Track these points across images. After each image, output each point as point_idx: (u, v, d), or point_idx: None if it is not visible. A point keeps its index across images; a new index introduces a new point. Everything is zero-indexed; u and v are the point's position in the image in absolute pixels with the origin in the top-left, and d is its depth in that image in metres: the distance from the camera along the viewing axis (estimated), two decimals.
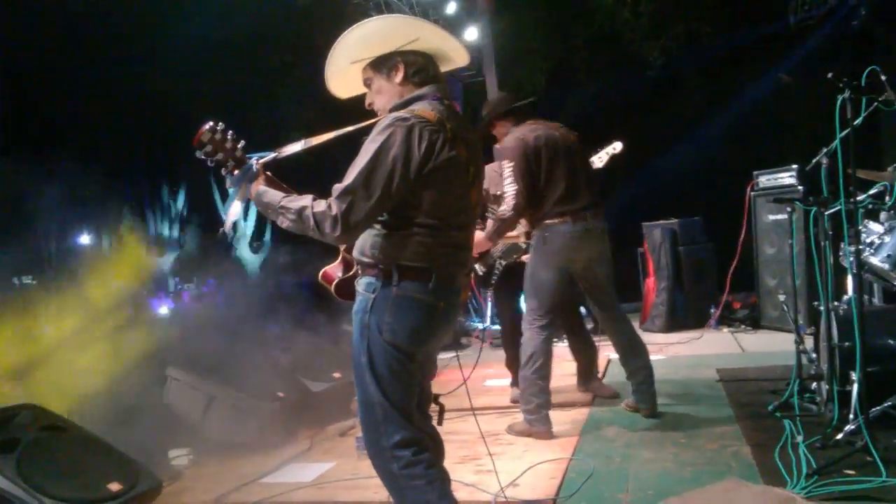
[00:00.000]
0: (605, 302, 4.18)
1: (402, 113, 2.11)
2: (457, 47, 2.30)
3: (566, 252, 3.98)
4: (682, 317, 7.25)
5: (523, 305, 4.35)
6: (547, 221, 3.98)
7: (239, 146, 2.22)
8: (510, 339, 4.85)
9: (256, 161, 2.25)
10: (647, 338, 6.59)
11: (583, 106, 9.17)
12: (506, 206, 3.96)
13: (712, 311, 7.12)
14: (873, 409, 3.21)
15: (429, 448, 2.20)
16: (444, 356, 6.22)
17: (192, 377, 4.37)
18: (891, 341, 3.65)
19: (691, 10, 9.96)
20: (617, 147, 4.60)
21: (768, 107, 9.40)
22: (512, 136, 4.08)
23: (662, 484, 3.05)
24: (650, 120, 9.58)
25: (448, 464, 3.30)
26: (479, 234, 3.97)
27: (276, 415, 4.30)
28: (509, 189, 3.94)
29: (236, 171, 2.23)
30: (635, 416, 4.17)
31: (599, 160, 4.61)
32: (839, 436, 3.23)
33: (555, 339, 4.30)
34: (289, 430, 4.46)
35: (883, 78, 3.24)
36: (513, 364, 4.80)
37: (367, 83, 2.31)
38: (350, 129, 2.32)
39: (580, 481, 3.18)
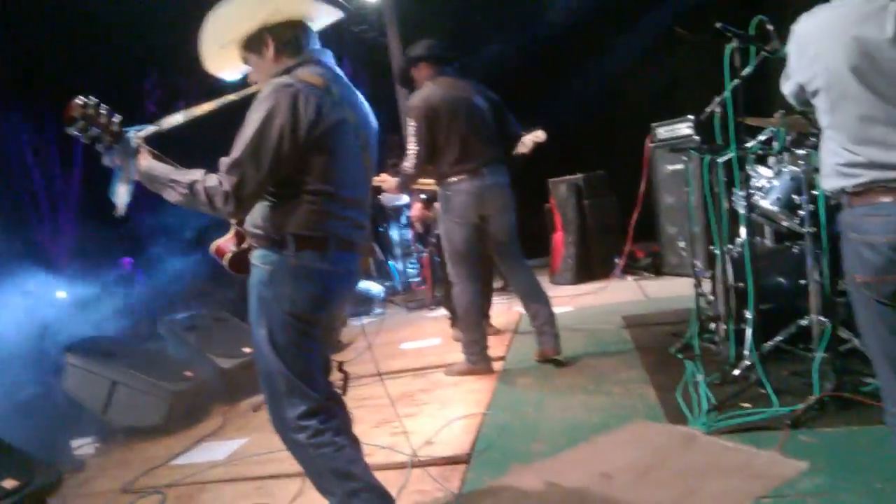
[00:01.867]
0: (508, 252, 4.37)
1: (285, 78, 2.04)
2: (321, 6, 2.22)
3: (469, 208, 4.15)
4: (590, 268, 7.45)
5: None
6: (448, 180, 4.16)
7: (114, 120, 2.07)
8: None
9: (136, 134, 2.12)
10: (557, 290, 6.79)
11: (486, 65, 9.17)
12: (408, 163, 4.16)
13: (617, 261, 7.32)
14: (766, 344, 3.38)
15: (336, 414, 2.17)
16: (363, 320, 6.26)
17: (91, 362, 4.17)
18: (781, 279, 3.83)
19: None
20: (540, 136, 4.64)
21: (665, 59, 9.63)
22: (417, 97, 4.19)
23: (573, 431, 3.13)
24: (550, 76, 9.66)
25: (363, 428, 3.32)
26: (389, 183, 4.28)
27: (184, 395, 4.17)
28: (411, 147, 4.13)
29: (114, 146, 2.09)
30: (546, 367, 4.26)
31: (524, 146, 4.65)
32: (736, 371, 3.40)
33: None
34: (199, 410, 4.35)
35: (769, 28, 3.34)
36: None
37: (245, 61, 2.24)
38: (232, 97, 2.23)
39: (494, 435, 3.23)
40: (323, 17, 2.27)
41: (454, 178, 4.14)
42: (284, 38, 2.16)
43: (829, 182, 1.79)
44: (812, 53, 1.75)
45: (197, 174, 2.03)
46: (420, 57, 4.35)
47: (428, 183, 4.60)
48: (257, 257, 2.13)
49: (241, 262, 2.35)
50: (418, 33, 9.49)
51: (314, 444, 2.09)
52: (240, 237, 2.43)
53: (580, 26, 9.94)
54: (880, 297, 1.69)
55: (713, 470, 2.54)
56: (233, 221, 2.45)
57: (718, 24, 3.38)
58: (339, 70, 2.23)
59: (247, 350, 4.75)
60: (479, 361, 4.31)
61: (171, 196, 2.05)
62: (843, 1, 1.71)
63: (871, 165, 1.65)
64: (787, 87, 1.93)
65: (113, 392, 4.08)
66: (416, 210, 5.86)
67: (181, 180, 2.02)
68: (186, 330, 4.80)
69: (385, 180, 4.29)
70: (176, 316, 5.14)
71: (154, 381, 4.10)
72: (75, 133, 2.04)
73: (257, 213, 2.11)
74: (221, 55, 2.23)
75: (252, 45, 2.18)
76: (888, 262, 1.64)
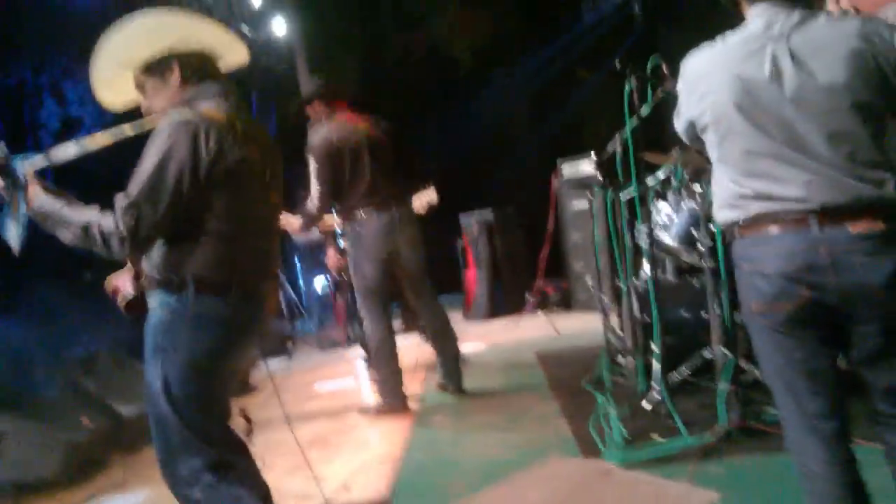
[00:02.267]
0: (419, 287, 4.39)
1: (185, 113, 1.94)
2: (234, 43, 2.17)
3: (379, 243, 4.16)
4: (502, 304, 7.54)
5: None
6: (355, 216, 4.17)
7: None
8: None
9: (24, 165, 1.96)
10: (470, 327, 6.83)
11: (396, 101, 9.23)
12: (310, 204, 4.14)
13: (528, 297, 7.46)
14: (672, 376, 3.49)
15: (234, 465, 2.03)
16: (274, 361, 6.07)
17: None
18: (684, 313, 3.98)
19: (496, 11, 10.33)
20: (433, 198, 4.57)
21: (570, 99, 10.00)
22: (318, 136, 4.16)
23: (491, 469, 3.12)
24: (461, 113, 9.85)
25: (275, 475, 3.20)
26: (292, 222, 4.18)
27: (81, 445, 3.91)
28: (314, 187, 4.11)
29: None
30: (462, 404, 4.26)
31: (420, 206, 4.63)
32: (646, 404, 3.49)
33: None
34: (98, 461, 4.09)
35: (664, 68, 3.50)
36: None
37: (140, 87, 2.12)
38: (129, 130, 2.09)
39: (413, 476, 3.18)
40: (231, 57, 2.21)
41: (362, 214, 4.14)
42: (192, 65, 2.08)
43: (721, 214, 1.85)
44: (700, 91, 1.81)
45: (91, 214, 1.90)
46: (313, 95, 4.34)
47: (329, 224, 4.58)
48: (155, 301, 2.01)
49: (137, 303, 2.23)
50: (327, 65, 9.54)
51: (210, 498, 1.96)
52: (138, 275, 2.31)
53: (490, 63, 10.20)
54: (774, 325, 1.74)
55: (628, 502, 2.58)
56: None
57: (617, 65, 3.54)
58: (241, 105, 2.14)
59: None
60: (394, 401, 4.25)
61: (64, 236, 1.93)
62: (725, 41, 1.78)
63: (759, 197, 1.71)
64: (679, 125, 1.99)
65: (0, 444, 3.79)
66: (332, 258, 5.74)
67: (74, 220, 1.90)
68: (84, 374, 4.52)
69: (288, 222, 4.16)
70: (70, 357, 4.84)
71: (49, 431, 3.83)
72: None
73: (156, 254, 1.99)
74: (116, 78, 2.11)
75: (154, 68, 2.08)
76: (779, 291, 1.69)
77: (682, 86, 1.90)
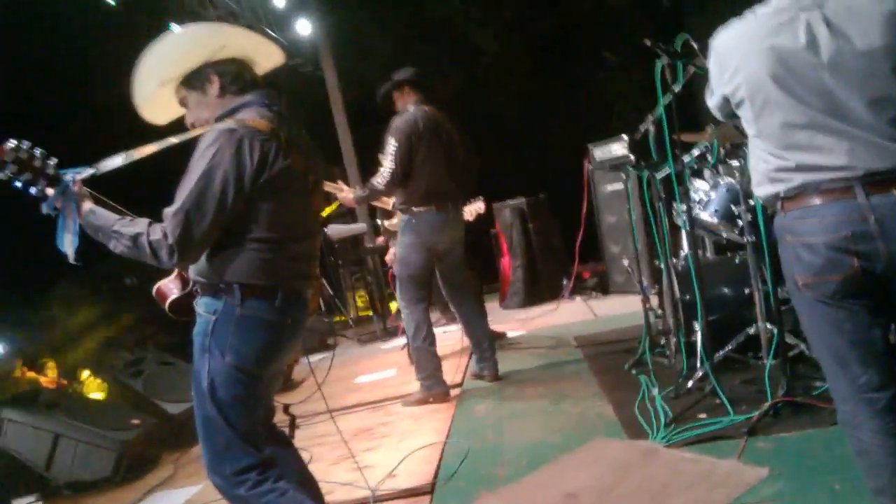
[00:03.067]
0: (457, 281, 4.53)
1: (229, 123, 1.97)
2: (269, 48, 2.19)
3: (432, 237, 4.27)
4: (539, 291, 7.51)
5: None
6: (414, 209, 4.23)
7: (49, 163, 1.98)
8: None
9: (74, 178, 2.02)
10: (508, 314, 6.82)
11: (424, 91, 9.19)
12: (380, 179, 4.21)
13: (565, 282, 7.42)
14: (717, 355, 3.44)
15: (276, 464, 2.08)
16: (316, 357, 6.13)
17: (31, 416, 3.98)
18: (726, 290, 3.93)
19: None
20: (481, 208, 5.01)
21: (597, 83, 9.90)
22: (403, 118, 4.25)
23: (535, 453, 3.12)
24: (488, 103, 9.81)
25: (321, 467, 3.25)
26: (347, 193, 4.34)
27: (132, 444, 4.01)
28: (387, 165, 4.17)
29: (50, 191, 2.00)
30: (503, 390, 4.26)
31: (469, 214, 4.92)
32: (690, 383, 3.45)
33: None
34: (149, 458, 4.18)
35: (694, 44, 3.45)
36: None
37: (183, 102, 2.16)
38: (174, 140, 2.13)
39: (456, 462, 3.19)
40: (266, 60, 2.23)
41: (422, 208, 4.22)
42: (230, 74, 2.10)
43: (762, 189, 1.83)
44: (733, 66, 1.80)
45: (141, 225, 1.95)
46: (406, 80, 4.39)
47: (394, 224, 4.69)
48: (202, 305, 2.04)
49: (183, 307, 2.27)
50: (354, 66, 9.56)
51: (256, 494, 2.00)
52: (184, 280, 2.35)
53: (516, 54, 10.15)
54: (822, 297, 1.72)
55: (676, 482, 2.55)
56: None
57: (647, 41, 3.49)
58: (284, 111, 2.15)
59: None
60: (433, 385, 4.29)
61: (115, 247, 1.98)
62: (755, 14, 1.77)
63: (800, 168, 1.70)
64: (712, 101, 1.98)
65: (56, 446, 3.90)
66: (391, 255, 5.79)
67: (124, 232, 1.94)
68: (132, 376, 4.63)
69: (342, 188, 4.32)
70: (119, 360, 4.96)
71: (99, 431, 3.93)
72: (7, 176, 1.96)
73: (202, 261, 2.03)
74: (157, 95, 2.14)
75: (194, 82, 2.11)
76: (827, 262, 1.67)
77: (714, 62, 1.88)
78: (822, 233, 1.67)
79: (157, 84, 2.11)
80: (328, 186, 4.33)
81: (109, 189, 2.15)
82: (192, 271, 2.08)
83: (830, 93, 1.65)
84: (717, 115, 2.01)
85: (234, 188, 1.91)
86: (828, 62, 1.64)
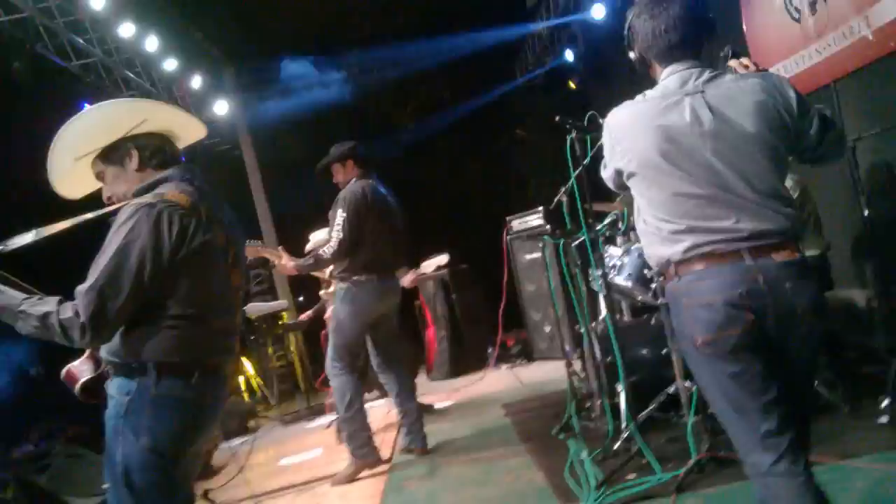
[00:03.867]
0: (391, 349, 4.52)
1: (147, 198, 1.92)
2: (190, 121, 2.18)
3: (371, 305, 4.28)
4: (464, 361, 7.51)
5: None
6: (355, 277, 4.23)
7: None
8: None
9: None
10: (435, 385, 6.78)
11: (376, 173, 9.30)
12: (327, 249, 4.18)
13: (490, 351, 7.45)
14: (641, 415, 3.52)
15: None
16: (237, 441, 5.89)
17: None
18: (644, 351, 4.05)
19: (431, 78, 10.59)
20: (443, 260, 5.34)
21: (511, 158, 10.24)
22: (351, 190, 4.28)
23: None
24: (408, 177, 9.97)
25: None
26: (287, 261, 4.24)
27: None
28: (335, 236, 4.17)
29: None
30: (433, 463, 4.21)
31: (428, 267, 5.17)
32: (617, 444, 3.50)
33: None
34: None
35: (601, 121, 3.66)
36: None
37: (100, 176, 2.11)
38: (90, 215, 2.07)
39: None
40: (188, 135, 2.21)
41: (363, 276, 4.22)
42: (150, 148, 2.07)
43: (655, 251, 1.94)
44: (625, 142, 1.95)
45: (50, 304, 1.86)
46: (351, 155, 4.43)
47: (321, 275, 4.72)
48: (114, 387, 1.95)
49: (95, 389, 2.16)
50: (272, 146, 9.59)
51: None
52: (95, 361, 2.25)
53: (433, 131, 10.42)
54: (722, 352, 1.80)
55: None
56: None
57: (557, 118, 3.69)
58: (206, 185, 2.12)
59: (105, 486, 4.33)
60: (367, 454, 4.22)
61: (22, 328, 1.88)
62: (645, 96, 1.95)
63: (692, 231, 1.83)
64: (606, 174, 2.11)
65: None
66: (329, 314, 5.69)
67: (31, 312, 1.85)
68: (36, 471, 4.32)
69: (280, 255, 4.25)
70: (24, 456, 4.63)
71: None
72: None
73: (115, 340, 1.94)
74: (73, 169, 2.09)
75: (112, 156, 2.06)
76: (726, 318, 1.77)
77: (608, 138, 2.04)
78: (719, 292, 1.79)
79: (72, 158, 2.05)
80: (266, 252, 4.33)
81: (16, 265, 2.06)
82: (104, 351, 1.99)
83: (712, 166, 1.82)
84: (611, 185, 2.14)
85: (152, 264, 1.86)
86: (710, 140, 1.83)
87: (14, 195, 5.38)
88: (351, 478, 4.17)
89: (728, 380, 1.82)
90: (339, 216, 4.18)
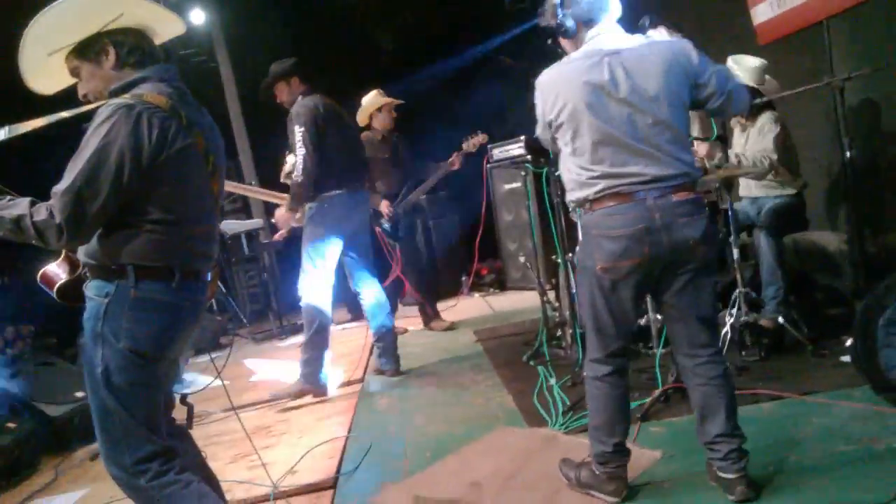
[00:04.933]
0: (364, 266, 4.50)
1: (126, 98, 1.86)
2: (168, 16, 2.07)
3: (343, 220, 4.20)
4: (438, 288, 7.54)
5: None
6: (325, 193, 4.14)
7: None
8: (420, 281, 5.97)
9: None
10: (408, 310, 6.81)
11: (324, 88, 9.07)
12: (297, 172, 4.08)
13: (464, 279, 7.50)
14: None
15: (178, 454, 2.00)
16: (200, 359, 5.92)
17: None
18: None
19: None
20: (484, 138, 5.59)
21: (495, 85, 10.06)
22: (303, 104, 4.17)
23: (439, 445, 3.14)
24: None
25: (218, 465, 3.14)
26: (282, 208, 4.22)
27: (6, 449, 3.73)
28: (300, 153, 4.06)
29: None
30: (405, 385, 4.27)
31: (471, 147, 5.52)
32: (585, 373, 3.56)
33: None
34: (26, 464, 3.91)
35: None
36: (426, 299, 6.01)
37: (75, 72, 2.02)
38: (65, 114, 2.00)
39: (359, 456, 3.16)
40: (165, 30, 2.11)
41: (333, 192, 4.13)
42: (127, 45, 1.98)
43: (573, 195, 2.32)
44: (553, 97, 2.28)
45: (22, 207, 1.81)
46: (296, 71, 4.30)
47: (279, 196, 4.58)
48: (92, 289, 1.93)
49: (72, 292, 2.14)
50: (250, 59, 9.30)
51: (156, 486, 1.91)
52: (72, 264, 2.22)
53: (415, 54, 10.16)
54: (614, 279, 2.24)
55: None
56: None
57: (549, 41, 3.58)
58: (185, 88, 2.06)
59: (79, 395, 4.34)
60: (314, 382, 4.20)
61: None
62: (571, 59, 2.30)
63: (604, 177, 2.21)
64: (539, 129, 2.43)
65: None
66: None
67: (3, 215, 1.80)
68: (7, 378, 4.30)
69: (279, 215, 4.23)
70: None
71: None
72: None
73: (93, 242, 1.91)
74: (46, 64, 1.99)
75: (87, 52, 1.97)
76: (625, 250, 2.19)
77: (539, 96, 2.36)
78: (622, 226, 2.19)
79: (45, 52, 1.96)
80: (272, 197, 4.29)
81: None
82: (82, 253, 1.96)
83: (626, 118, 2.19)
84: (543, 138, 2.45)
85: (131, 166, 1.81)
86: (624, 95, 2.19)
87: None
88: (291, 397, 4.20)
89: (605, 301, 2.29)
90: (298, 132, 4.07)
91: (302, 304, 4.23)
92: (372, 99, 5.63)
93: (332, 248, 4.21)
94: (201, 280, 2.05)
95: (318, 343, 4.18)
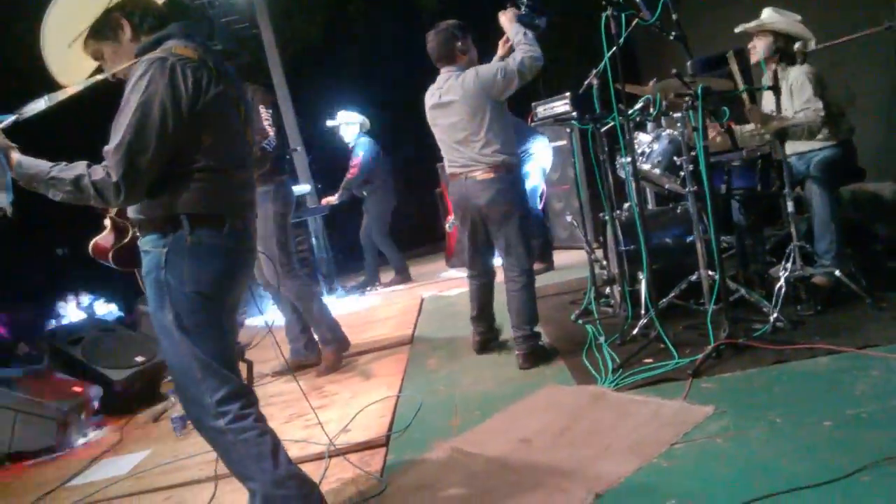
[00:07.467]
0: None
1: (157, 53, 1.90)
2: None
3: (290, 206, 4.37)
4: None
5: None
6: (277, 178, 4.27)
7: None
8: None
9: None
10: (455, 273, 6.83)
11: (362, 57, 9.05)
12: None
13: None
14: (661, 302, 3.53)
15: (256, 400, 2.08)
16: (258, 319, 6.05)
17: None
18: (667, 240, 4.02)
19: None
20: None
21: (541, 43, 9.84)
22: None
23: (488, 403, 3.16)
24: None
25: (274, 425, 3.19)
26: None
27: (74, 413, 3.90)
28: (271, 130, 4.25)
29: None
30: (453, 347, 4.29)
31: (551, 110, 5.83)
32: (635, 330, 3.54)
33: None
34: (93, 426, 4.08)
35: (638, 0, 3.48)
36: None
37: (98, 55, 2.06)
38: (99, 77, 2.04)
39: (410, 415, 3.21)
40: None
41: (283, 177, 4.37)
42: (138, 13, 2.02)
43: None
44: (428, 115, 3.73)
45: (80, 168, 1.87)
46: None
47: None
48: (148, 242, 2.00)
49: (127, 255, 2.21)
50: (290, 24, 9.29)
51: (235, 430, 1.98)
52: (118, 230, 2.29)
53: (456, 15, 9.99)
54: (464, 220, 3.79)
55: (624, 423, 2.62)
56: (109, 214, 2.33)
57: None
58: (206, 41, 2.10)
59: (139, 359, 4.50)
60: (309, 354, 4.42)
61: (54, 195, 1.89)
62: (430, 89, 3.73)
63: (449, 164, 3.71)
64: None
65: None
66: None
67: (63, 177, 1.86)
68: (71, 344, 4.48)
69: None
70: (57, 330, 4.79)
71: (40, 401, 3.80)
72: None
73: (145, 198, 1.97)
74: (70, 57, 2.04)
75: (103, 32, 2.01)
76: (457, 208, 3.79)
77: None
78: (453, 195, 3.74)
79: (65, 46, 2.01)
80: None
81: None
82: (133, 211, 2.02)
83: (449, 130, 3.62)
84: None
85: (173, 116, 1.86)
86: (445, 116, 3.63)
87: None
88: (295, 368, 4.36)
89: (467, 233, 3.78)
90: (264, 112, 4.28)
91: (287, 284, 4.22)
92: None
93: (289, 229, 4.33)
94: (249, 229, 2.12)
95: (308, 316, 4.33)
